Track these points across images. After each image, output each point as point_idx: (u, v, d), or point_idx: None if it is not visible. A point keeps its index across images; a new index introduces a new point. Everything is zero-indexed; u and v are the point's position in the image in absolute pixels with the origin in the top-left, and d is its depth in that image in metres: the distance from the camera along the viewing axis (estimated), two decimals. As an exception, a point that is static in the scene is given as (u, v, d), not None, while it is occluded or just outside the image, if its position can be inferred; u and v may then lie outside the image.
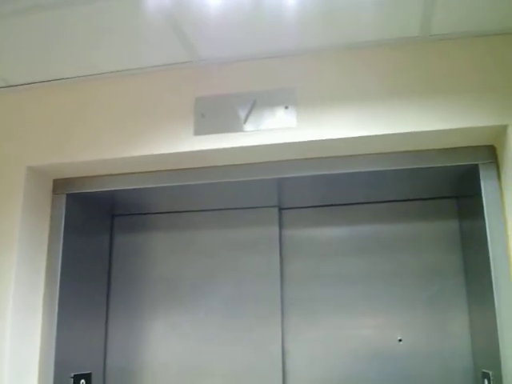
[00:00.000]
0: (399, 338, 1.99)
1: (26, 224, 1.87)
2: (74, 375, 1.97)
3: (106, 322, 2.24)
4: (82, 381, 2.00)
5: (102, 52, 1.75)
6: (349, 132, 1.67)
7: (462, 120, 1.61)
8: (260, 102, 1.76)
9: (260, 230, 2.20)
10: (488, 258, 1.64)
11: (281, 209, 2.22)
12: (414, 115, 1.64)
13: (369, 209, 2.13)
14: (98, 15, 1.56)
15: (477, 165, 1.72)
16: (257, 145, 1.73)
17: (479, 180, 1.70)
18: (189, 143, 1.77)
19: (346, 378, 2.01)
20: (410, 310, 2.01)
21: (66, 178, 2.02)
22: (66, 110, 1.91)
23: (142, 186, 1.95)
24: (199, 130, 1.78)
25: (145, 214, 2.34)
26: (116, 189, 1.97)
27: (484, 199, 1.68)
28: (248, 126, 1.74)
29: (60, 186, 2.02)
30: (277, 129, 1.72)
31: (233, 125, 1.76)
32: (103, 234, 2.29)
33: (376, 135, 1.66)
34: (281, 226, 2.20)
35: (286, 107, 1.73)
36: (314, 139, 1.69)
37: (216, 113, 1.78)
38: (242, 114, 1.76)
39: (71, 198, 2.02)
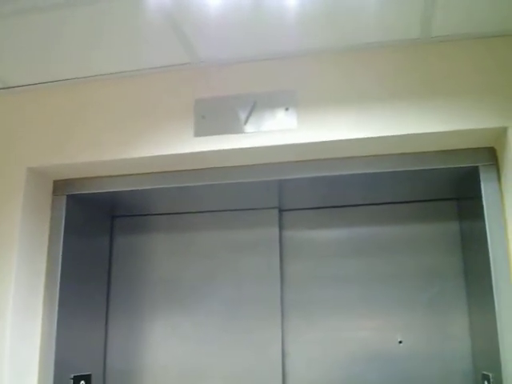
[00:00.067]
0: (399, 340, 1.99)
1: (26, 225, 1.87)
2: (74, 376, 1.96)
3: (106, 323, 2.24)
4: (82, 382, 2.00)
5: (102, 53, 1.75)
6: (349, 134, 1.67)
7: (462, 122, 1.61)
8: (260, 103, 1.76)
9: (260, 231, 2.19)
10: (488, 259, 1.64)
11: (281, 210, 2.22)
12: (415, 117, 1.64)
13: (369, 211, 2.13)
14: (97, 16, 1.56)
15: (477, 167, 1.72)
16: (257, 146, 1.73)
17: (479, 182, 1.70)
18: (189, 144, 1.77)
19: (346, 380, 2.01)
20: (410, 312, 2.01)
21: (66, 179, 2.02)
22: (66, 111, 1.91)
23: (142, 188, 1.95)
24: (199, 132, 1.78)
25: (145, 215, 2.34)
26: (116, 190, 1.97)
27: (484, 201, 1.68)
28: (248, 128, 1.74)
29: (60, 187, 2.02)
30: (277, 130, 1.72)
31: (233, 126, 1.76)
32: (103, 235, 2.29)
33: (376, 137, 1.66)
34: (281, 228, 2.20)
35: (287, 109, 1.73)
36: (314, 141, 1.69)
37: (216, 114, 1.78)
38: (243, 115, 1.76)
39: (71, 199, 2.02)
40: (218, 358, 2.11)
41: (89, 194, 2.00)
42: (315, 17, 1.56)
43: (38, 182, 1.94)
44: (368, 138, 1.66)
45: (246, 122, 1.75)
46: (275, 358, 2.05)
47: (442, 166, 1.75)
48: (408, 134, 1.64)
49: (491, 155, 1.72)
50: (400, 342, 1.99)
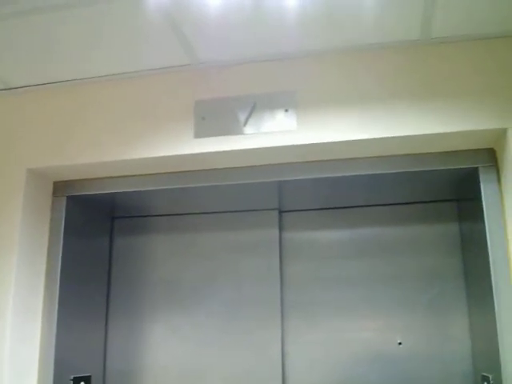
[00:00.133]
0: (399, 341, 1.99)
1: (26, 226, 1.87)
2: (74, 377, 1.97)
3: (106, 324, 2.24)
4: (82, 383, 2.00)
5: (102, 54, 1.75)
6: (349, 135, 1.67)
7: (463, 123, 1.61)
8: (260, 104, 1.76)
9: (260, 232, 2.19)
10: (488, 261, 1.64)
11: (281, 211, 2.22)
12: (415, 118, 1.64)
13: (369, 212, 2.13)
14: (97, 18, 1.56)
15: (477, 168, 1.72)
16: (257, 147, 1.73)
17: (479, 183, 1.70)
18: (189, 146, 1.77)
19: (346, 381, 2.01)
20: (410, 313, 2.01)
21: (66, 181, 2.02)
22: (66, 113, 1.91)
23: (142, 189, 1.95)
24: (199, 133, 1.78)
25: (145, 216, 2.34)
26: (116, 191, 1.97)
27: (484, 202, 1.68)
28: (248, 129, 1.74)
29: (60, 188, 2.02)
30: (277, 132, 1.72)
31: (233, 128, 1.76)
32: (103, 236, 2.29)
33: (376, 138, 1.66)
34: (281, 229, 2.20)
35: (286, 110, 1.73)
36: (314, 142, 1.69)
37: (216, 115, 1.78)
38: (242, 116, 1.76)
39: (71, 200, 2.02)
40: (218, 358, 2.11)
41: (89, 195, 2.00)
42: (315, 18, 1.56)
43: (37, 183, 1.94)
44: (368, 139, 1.66)
45: (245, 123, 1.75)
46: (275, 358, 2.05)
47: (442, 168, 1.75)
48: (408, 136, 1.64)
49: (491, 156, 1.72)
50: (400, 344, 1.99)
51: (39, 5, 1.50)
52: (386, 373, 1.98)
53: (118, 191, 1.97)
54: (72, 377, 1.95)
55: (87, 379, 2.04)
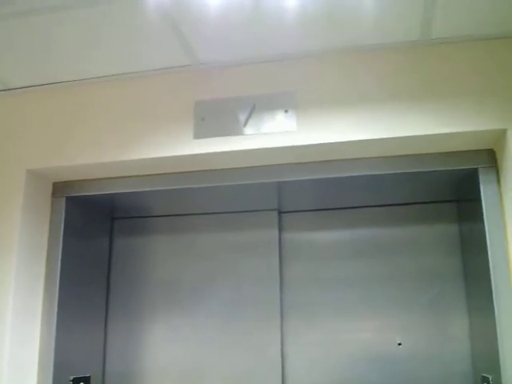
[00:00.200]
0: (399, 342, 1.99)
1: (26, 227, 1.86)
2: (73, 378, 1.96)
3: (106, 325, 2.23)
4: (81, 384, 2.01)
5: (102, 55, 1.75)
6: (349, 136, 1.67)
7: (462, 124, 1.61)
8: (260, 105, 1.76)
9: (260, 233, 2.19)
10: (487, 261, 1.64)
11: (280, 212, 2.22)
12: (415, 119, 1.64)
13: (368, 212, 2.13)
14: (96, 18, 1.56)
15: (476, 169, 1.72)
16: (256, 148, 1.73)
17: (479, 184, 1.70)
18: (188, 146, 1.77)
19: (345, 382, 2.01)
20: (409, 314, 2.01)
21: (66, 181, 2.02)
22: (65, 113, 1.91)
23: (141, 189, 1.95)
24: (199, 134, 1.77)
25: (144, 217, 2.34)
26: (116, 192, 1.97)
27: (483, 203, 1.68)
28: (248, 130, 1.74)
29: (59, 189, 2.02)
30: (277, 132, 1.72)
31: (232, 128, 1.76)
32: (103, 237, 2.29)
33: (376, 139, 1.66)
34: (280, 230, 2.20)
35: (286, 111, 1.73)
36: (313, 143, 1.69)
37: (216, 116, 1.78)
38: (242, 117, 1.76)
39: (71, 201, 2.02)
40: (218, 359, 2.11)
41: (88, 195, 2.00)
42: (315, 18, 1.56)
43: (37, 183, 1.94)
44: (367, 140, 1.66)
45: (245, 124, 1.75)
46: (274, 359, 2.05)
47: (442, 168, 1.75)
48: (408, 136, 1.64)
49: (491, 157, 1.72)
50: (399, 344, 1.99)
51: (38, 6, 1.50)
52: (385, 373, 1.98)
53: (118, 192, 1.97)
54: (71, 378, 1.95)
55: (87, 380, 2.04)
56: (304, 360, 2.06)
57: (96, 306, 2.18)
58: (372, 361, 2.00)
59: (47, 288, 1.92)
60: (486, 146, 1.71)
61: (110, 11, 1.53)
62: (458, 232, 2.04)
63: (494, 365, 1.60)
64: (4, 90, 1.94)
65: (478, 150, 1.73)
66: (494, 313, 1.60)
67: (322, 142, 1.68)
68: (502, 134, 1.61)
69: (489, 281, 1.63)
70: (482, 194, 1.69)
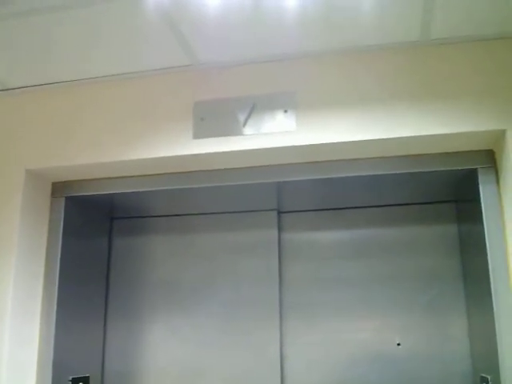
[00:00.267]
0: (398, 342, 1.99)
1: (25, 227, 1.86)
2: (73, 378, 1.96)
3: (105, 325, 2.23)
4: (80, 384, 2.01)
5: (101, 55, 1.75)
6: (349, 136, 1.67)
7: (462, 124, 1.61)
8: (259, 105, 1.76)
9: (259, 233, 2.19)
10: (486, 262, 1.64)
11: (280, 212, 2.22)
12: (414, 119, 1.64)
13: (368, 213, 2.13)
14: (96, 18, 1.56)
15: (476, 169, 1.72)
16: (256, 148, 1.73)
17: (478, 184, 1.70)
18: (188, 147, 1.77)
19: (345, 382, 2.01)
20: (408, 314, 2.01)
21: (65, 181, 2.01)
22: (64, 113, 1.90)
23: (141, 190, 1.95)
24: (198, 134, 1.77)
25: (144, 217, 2.34)
26: (115, 192, 1.97)
27: (483, 204, 1.68)
28: (247, 130, 1.74)
29: (59, 189, 2.02)
30: (276, 132, 1.72)
31: (232, 128, 1.76)
32: (102, 237, 2.29)
33: (375, 139, 1.66)
34: (280, 230, 2.20)
35: (286, 111, 1.73)
36: (313, 143, 1.69)
37: (215, 116, 1.77)
38: (242, 117, 1.76)
39: (70, 201, 2.02)
40: (217, 359, 2.11)
41: (87, 195, 2.00)
42: (315, 19, 1.56)
43: (36, 183, 1.94)
44: (367, 140, 1.66)
45: (244, 124, 1.75)
46: (274, 359, 2.05)
47: (441, 169, 1.75)
48: (407, 137, 1.64)
49: (490, 158, 1.72)
50: (398, 345, 1.99)
51: (37, 6, 1.50)
52: (384, 373, 1.98)
53: (117, 192, 1.97)
54: (70, 378, 1.95)
55: (86, 380, 2.04)
56: (303, 360, 2.06)
57: (95, 305, 2.18)
58: (371, 361, 2.00)
59: (46, 288, 1.92)
60: (485, 146, 1.71)
61: (109, 11, 1.53)
62: (457, 232, 2.04)
63: (493, 365, 1.61)
64: (3, 90, 1.94)
65: (478, 151, 1.73)
66: (493, 313, 1.60)
67: (321, 142, 1.68)
68: (502, 134, 1.61)
69: (488, 281, 1.63)
70: (481, 194, 1.69)
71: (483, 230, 1.67)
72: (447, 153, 1.74)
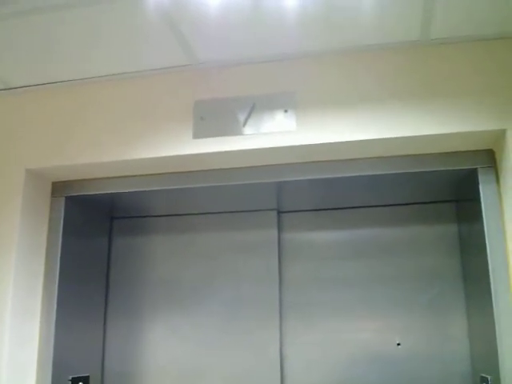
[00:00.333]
0: (398, 342, 1.99)
1: (25, 227, 1.86)
2: (72, 378, 1.96)
3: (105, 324, 2.23)
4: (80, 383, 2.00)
5: (102, 54, 1.75)
6: (348, 136, 1.67)
7: (462, 124, 1.61)
8: (259, 105, 1.76)
9: (259, 233, 2.19)
10: (486, 261, 1.64)
11: (280, 212, 2.22)
12: (414, 119, 1.64)
13: (368, 212, 2.13)
14: (97, 18, 1.56)
15: (476, 169, 1.72)
16: (256, 148, 1.73)
17: (478, 184, 1.70)
18: (188, 146, 1.77)
19: (345, 382, 2.01)
20: (408, 314, 2.01)
21: (65, 181, 2.01)
22: (65, 113, 1.91)
23: (141, 189, 1.95)
24: (198, 134, 1.77)
25: (144, 216, 2.34)
26: (115, 191, 1.97)
27: (483, 203, 1.68)
28: (247, 130, 1.74)
29: (59, 188, 2.02)
30: (276, 132, 1.72)
31: (232, 128, 1.76)
32: (102, 236, 2.29)
33: (375, 139, 1.66)
34: (280, 230, 2.20)
35: (286, 111, 1.73)
36: (313, 143, 1.69)
37: (215, 116, 1.78)
38: (242, 117, 1.76)
39: (70, 200, 2.02)
40: (217, 358, 2.11)
41: (88, 195, 2.00)
42: (315, 18, 1.56)
43: (36, 183, 1.94)
44: (367, 140, 1.66)
45: (244, 123, 1.75)
46: (273, 359, 2.05)
47: (441, 168, 1.75)
48: (407, 136, 1.64)
49: (490, 157, 1.72)
50: (398, 345, 1.99)
51: (39, 5, 1.50)
52: (384, 373, 1.98)
53: (117, 191, 1.97)
54: (70, 377, 1.95)
55: (86, 379, 2.04)
56: (303, 360, 2.06)
57: (95, 305, 2.18)
58: (371, 361, 2.00)
59: (46, 287, 1.92)
60: (485, 146, 1.71)
61: (109, 11, 1.53)
62: (458, 232, 2.04)
63: (493, 365, 1.60)
64: (4, 89, 1.94)
65: (478, 151, 1.73)
66: (493, 313, 1.60)
67: (321, 141, 1.68)
68: (502, 134, 1.61)
69: (488, 281, 1.63)
70: (481, 194, 1.69)
71: (483, 230, 1.67)
72: (447, 152, 1.74)
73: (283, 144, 1.71)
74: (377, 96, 1.68)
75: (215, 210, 2.25)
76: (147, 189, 1.94)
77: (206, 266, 2.21)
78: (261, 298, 2.13)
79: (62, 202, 2.00)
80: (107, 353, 2.21)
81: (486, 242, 1.65)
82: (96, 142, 1.85)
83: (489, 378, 1.67)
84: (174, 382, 2.13)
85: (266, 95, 1.76)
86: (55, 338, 1.88)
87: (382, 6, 1.50)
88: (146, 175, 1.94)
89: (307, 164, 1.82)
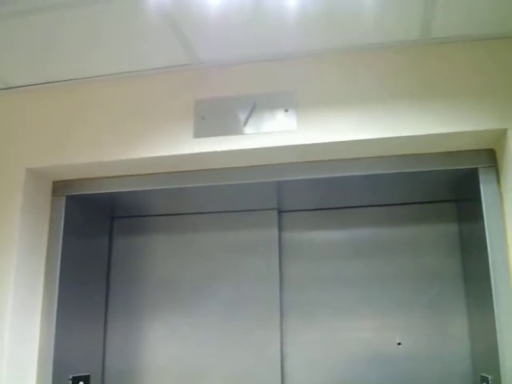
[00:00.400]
0: (398, 342, 1.99)
1: (26, 226, 1.86)
2: (73, 377, 1.96)
3: (105, 324, 2.23)
4: (81, 383, 2.00)
5: (102, 54, 1.75)
6: (349, 135, 1.67)
7: (462, 123, 1.61)
8: (260, 104, 1.76)
9: (259, 232, 2.19)
10: (487, 261, 1.64)
11: (280, 211, 2.22)
12: (415, 118, 1.64)
13: (368, 212, 2.13)
14: (97, 17, 1.56)
15: (476, 168, 1.72)
16: (256, 147, 1.73)
17: (479, 184, 1.70)
18: (188, 146, 1.77)
19: (345, 382, 2.01)
20: (409, 314, 2.01)
21: (66, 180, 2.02)
22: (65, 112, 1.91)
23: (141, 188, 1.95)
24: (199, 133, 1.77)
25: (144, 216, 2.34)
26: (116, 191, 1.97)
27: (483, 203, 1.68)
28: (248, 129, 1.74)
29: (59, 187, 2.02)
30: (277, 132, 1.72)
31: (233, 127, 1.76)
32: (102, 236, 2.29)
33: (376, 138, 1.66)
34: (280, 229, 2.20)
35: (286, 110, 1.73)
36: (313, 142, 1.69)
37: (216, 115, 1.78)
38: (242, 116, 1.76)
39: (71, 199, 2.02)
40: (218, 358, 2.11)
41: (88, 194, 2.00)
42: (315, 18, 1.56)
43: (37, 182, 1.94)
44: (367, 139, 1.66)
45: (245, 123, 1.75)
46: (274, 359, 2.05)
47: (442, 168, 1.75)
48: (408, 136, 1.64)
49: (491, 157, 1.72)
50: (399, 344, 1.99)
51: (39, 5, 1.50)
52: (385, 373, 1.98)
53: (118, 191, 1.97)
54: (71, 376, 1.95)
55: (86, 379, 2.04)
56: (303, 359, 2.06)
57: (96, 304, 2.19)
58: (372, 360, 2.00)
59: (47, 287, 1.92)
60: (486, 145, 1.71)
61: (109, 10, 1.53)
62: (458, 232, 2.04)
63: (494, 365, 1.60)
64: (5, 89, 1.95)
65: (478, 150, 1.73)
66: (493, 313, 1.60)
67: (321, 141, 1.68)
68: (502, 133, 1.61)
69: (488, 281, 1.63)
70: (481, 193, 1.69)
71: (484, 230, 1.66)
72: (448, 152, 1.74)
73: (284, 143, 1.71)
74: (377, 95, 1.67)
75: (216, 209, 2.25)
76: (148, 188, 1.94)
77: (207, 266, 2.22)
78: (261, 298, 2.13)
79: (62, 202, 2.00)
80: (108, 352, 2.21)
81: (487, 241, 1.65)
82: (96, 141, 1.85)
83: (489, 377, 1.67)
84: (174, 382, 2.13)
85: (266, 94, 1.76)
86: (56, 338, 1.88)
87: (382, 5, 1.50)
88: (147, 175, 1.94)
89: (308, 163, 1.82)
